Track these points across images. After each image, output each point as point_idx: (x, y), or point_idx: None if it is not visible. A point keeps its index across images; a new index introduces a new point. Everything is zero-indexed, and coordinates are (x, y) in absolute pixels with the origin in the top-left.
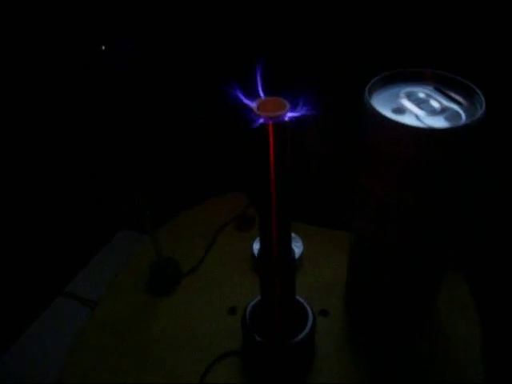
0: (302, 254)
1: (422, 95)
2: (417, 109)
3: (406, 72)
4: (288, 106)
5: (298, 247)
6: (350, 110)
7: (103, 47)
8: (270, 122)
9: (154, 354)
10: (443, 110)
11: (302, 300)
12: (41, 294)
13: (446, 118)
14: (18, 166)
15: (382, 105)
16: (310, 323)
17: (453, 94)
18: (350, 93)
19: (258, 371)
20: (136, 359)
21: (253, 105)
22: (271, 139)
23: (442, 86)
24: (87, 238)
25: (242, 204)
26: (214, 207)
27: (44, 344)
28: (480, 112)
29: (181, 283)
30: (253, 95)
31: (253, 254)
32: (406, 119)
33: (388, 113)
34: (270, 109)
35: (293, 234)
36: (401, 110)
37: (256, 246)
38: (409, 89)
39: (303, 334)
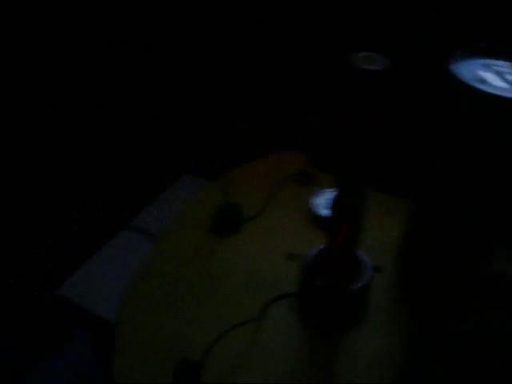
0: None
1: (499, 69)
2: (498, 81)
3: (484, 47)
4: (386, 60)
5: None
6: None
7: None
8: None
9: (214, 289)
10: None
11: (360, 252)
12: (106, 228)
13: None
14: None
15: (465, 75)
16: (368, 272)
17: None
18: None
19: (315, 314)
20: (196, 292)
21: (352, 59)
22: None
23: None
24: (155, 177)
25: (302, 162)
26: (275, 162)
27: (105, 272)
28: None
29: (242, 228)
30: None
31: (311, 208)
32: (489, 89)
33: (472, 82)
34: (367, 63)
35: None
36: (482, 81)
37: (315, 201)
38: (487, 62)
39: (363, 281)
